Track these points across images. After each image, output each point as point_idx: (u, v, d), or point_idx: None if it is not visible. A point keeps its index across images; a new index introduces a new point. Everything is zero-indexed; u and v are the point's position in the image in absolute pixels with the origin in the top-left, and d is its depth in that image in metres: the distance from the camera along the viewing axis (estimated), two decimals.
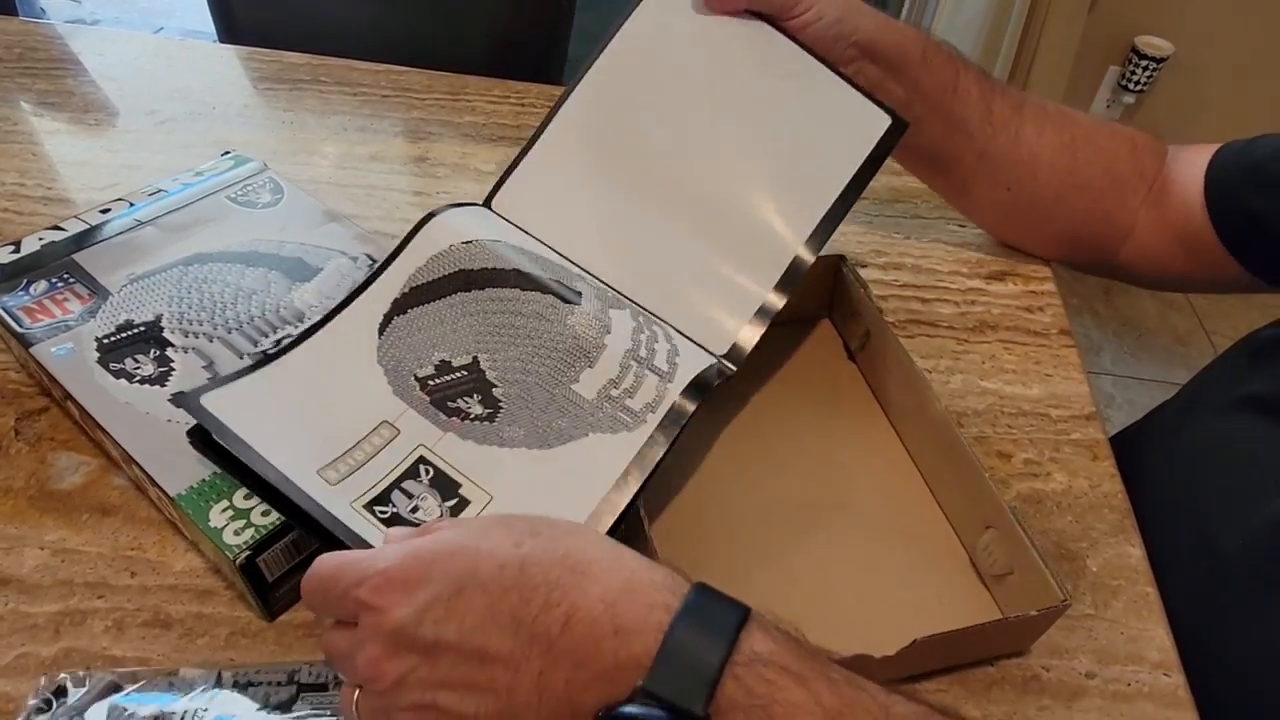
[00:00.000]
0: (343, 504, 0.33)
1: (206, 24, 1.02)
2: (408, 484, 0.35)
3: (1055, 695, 0.37)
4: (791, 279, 0.42)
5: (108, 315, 0.42)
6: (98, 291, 0.43)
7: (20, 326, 0.41)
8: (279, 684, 0.33)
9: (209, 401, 0.35)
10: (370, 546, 0.32)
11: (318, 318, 0.40)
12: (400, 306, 0.40)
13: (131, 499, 0.40)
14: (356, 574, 0.26)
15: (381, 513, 0.34)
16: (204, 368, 0.40)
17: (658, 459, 0.36)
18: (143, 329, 0.42)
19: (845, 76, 0.45)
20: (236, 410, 0.35)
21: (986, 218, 0.58)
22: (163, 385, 0.39)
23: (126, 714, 0.32)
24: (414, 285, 0.40)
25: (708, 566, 0.39)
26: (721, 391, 0.39)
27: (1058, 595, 0.34)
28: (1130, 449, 0.49)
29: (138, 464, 0.36)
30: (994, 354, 0.53)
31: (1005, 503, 0.37)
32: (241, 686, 0.33)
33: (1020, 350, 0.54)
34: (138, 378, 0.39)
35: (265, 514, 0.34)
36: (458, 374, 0.38)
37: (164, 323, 0.42)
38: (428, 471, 0.35)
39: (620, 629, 0.24)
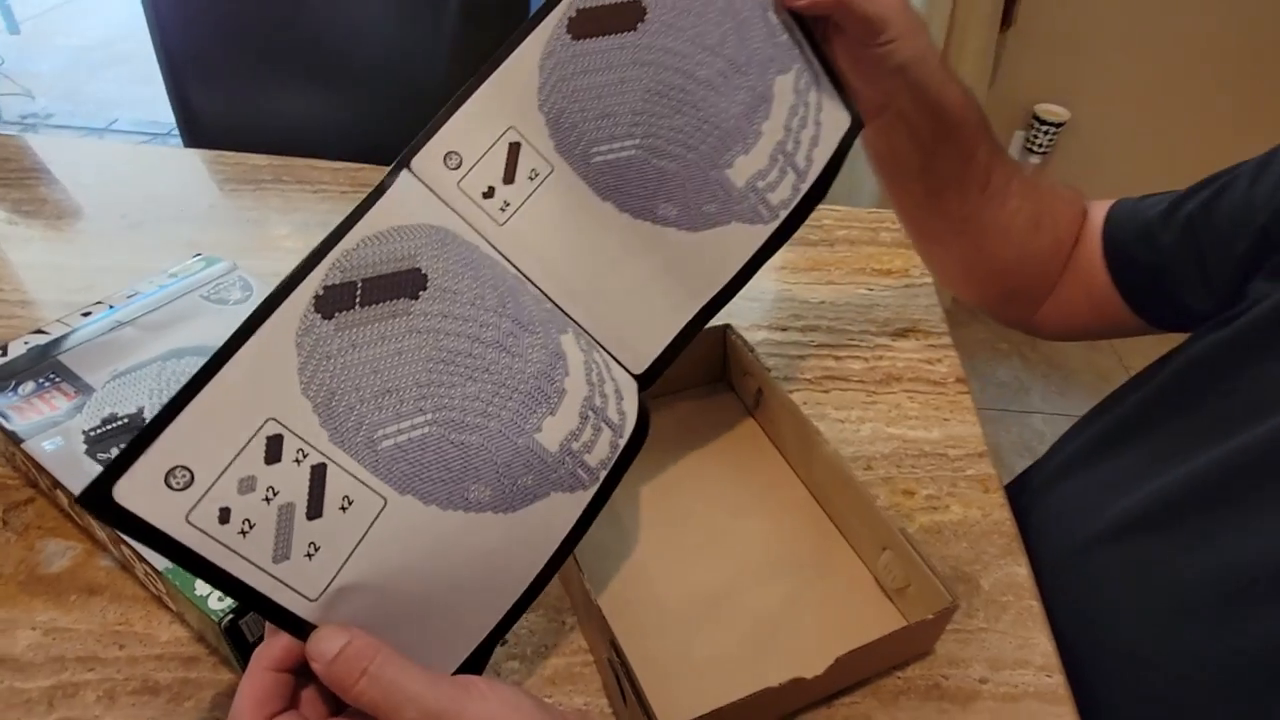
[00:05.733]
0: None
1: (159, 115, 1.08)
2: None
3: (953, 700, 0.42)
4: (713, 307, 0.41)
5: (93, 410, 0.46)
6: (82, 389, 0.47)
7: (10, 424, 0.45)
8: None
9: (122, 494, 0.26)
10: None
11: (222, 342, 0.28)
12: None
13: (118, 578, 0.44)
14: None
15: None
16: None
17: (597, 510, 0.36)
18: (126, 420, 0.46)
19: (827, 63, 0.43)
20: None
21: (947, 270, 0.62)
22: None
23: None
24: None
25: (638, 609, 0.44)
26: (640, 455, 0.38)
27: (947, 599, 0.40)
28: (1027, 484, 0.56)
29: (125, 542, 0.40)
30: (899, 403, 0.60)
31: (895, 526, 0.43)
32: None
33: (922, 399, 0.61)
34: None
35: None
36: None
37: (146, 414, 0.46)
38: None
39: None
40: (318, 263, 0.30)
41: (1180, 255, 0.51)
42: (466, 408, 0.32)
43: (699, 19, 0.39)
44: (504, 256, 0.36)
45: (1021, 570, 0.49)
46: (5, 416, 0.45)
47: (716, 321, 0.43)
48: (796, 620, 0.44)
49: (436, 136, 0.34)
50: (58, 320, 0.52)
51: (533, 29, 0.36)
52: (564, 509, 0.35)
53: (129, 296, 0.54)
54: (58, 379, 0.48)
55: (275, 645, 0.28)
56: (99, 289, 0.62)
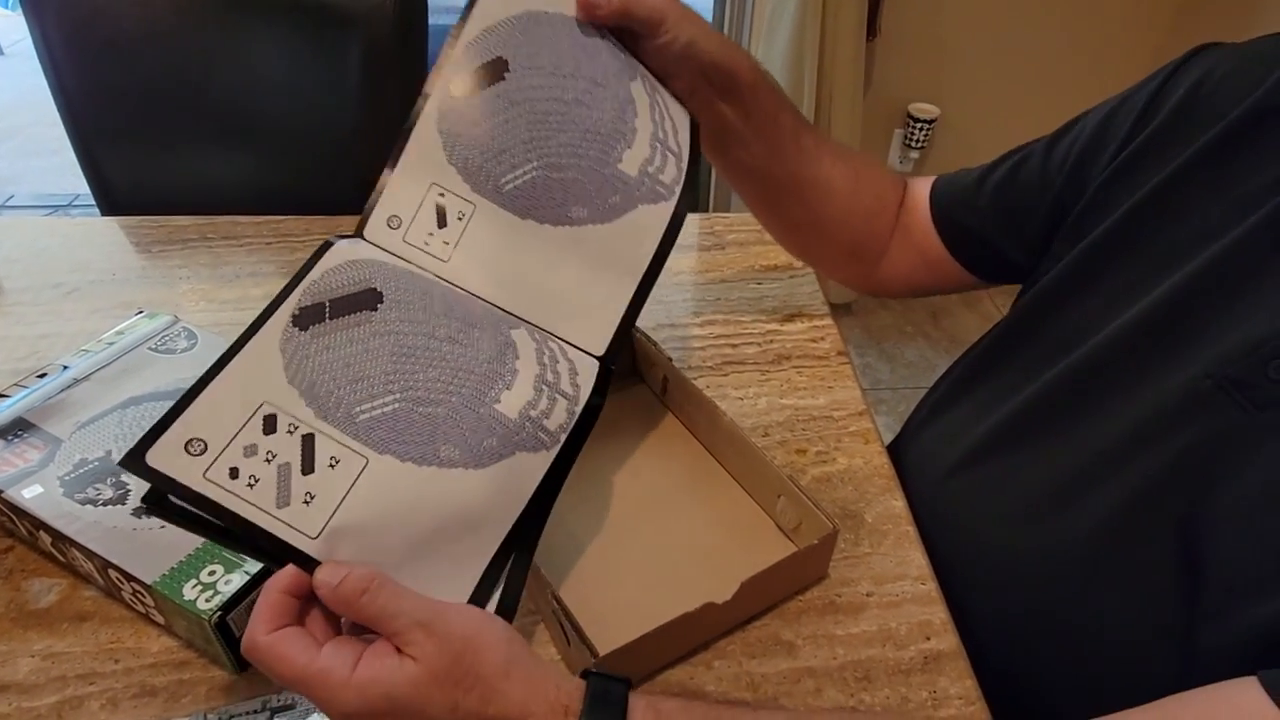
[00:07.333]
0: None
1: (56, 186, 1.08)
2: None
3: (846, 612, 0.51)
4: (648, 281, 0.49)
5: (64, 457, 0.51)
6: (50, 441, 0.52)
7: None
8: (255, 712, 0.42)
9: (153, 458, 0.33)
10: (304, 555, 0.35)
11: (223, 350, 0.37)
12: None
13: (104, 605, 0.48)
14: (310, 690, 0.32)
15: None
16: None
17: (566, 467, 0.42)
18: (96, 463, 0.50)
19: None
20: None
21: (786, 233, 0.69)
22: (123, 504, 0.48)
23: None
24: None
25: (576, 568, 0.51)
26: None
27: (829, 526, 0.48)
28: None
29: (115, 566, 0.45)
30: (789, 378, 0.69)
31: (786, 476, 0.51)
32: None
33: (809, 372, 0.70)
34: (100, 501, 0.48)
35: (227, 583, 0.44)
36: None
37: (113, 456, 0.51)
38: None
39: None
40: (290, 292, 0.38)
41: (994, 217, 0.61)
42: (429, 388, 0.39)
43: (553, 53, 0.47)
44: (454, 284, 0.44)
45: (898, 503, 0.58)
46: None
47: (643, 320, 0.51)
48: (710, 563, 0.52)
49: (377, 208, 0.42)
50: (14, 384, 0.56)
51: (419, 102, 0.45)
52: (530, 465, 0.41)
53: (81, 355, 0.59)
54: (26, 434, 0.52)
55: (285, 573, 0.34)
56: (45, 355, 0.66)
